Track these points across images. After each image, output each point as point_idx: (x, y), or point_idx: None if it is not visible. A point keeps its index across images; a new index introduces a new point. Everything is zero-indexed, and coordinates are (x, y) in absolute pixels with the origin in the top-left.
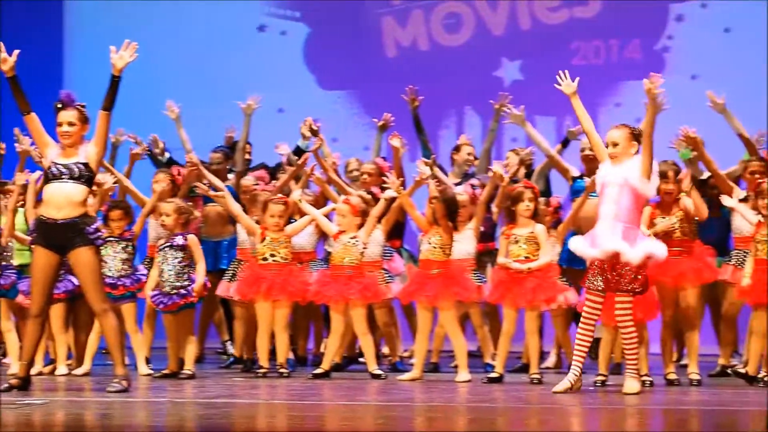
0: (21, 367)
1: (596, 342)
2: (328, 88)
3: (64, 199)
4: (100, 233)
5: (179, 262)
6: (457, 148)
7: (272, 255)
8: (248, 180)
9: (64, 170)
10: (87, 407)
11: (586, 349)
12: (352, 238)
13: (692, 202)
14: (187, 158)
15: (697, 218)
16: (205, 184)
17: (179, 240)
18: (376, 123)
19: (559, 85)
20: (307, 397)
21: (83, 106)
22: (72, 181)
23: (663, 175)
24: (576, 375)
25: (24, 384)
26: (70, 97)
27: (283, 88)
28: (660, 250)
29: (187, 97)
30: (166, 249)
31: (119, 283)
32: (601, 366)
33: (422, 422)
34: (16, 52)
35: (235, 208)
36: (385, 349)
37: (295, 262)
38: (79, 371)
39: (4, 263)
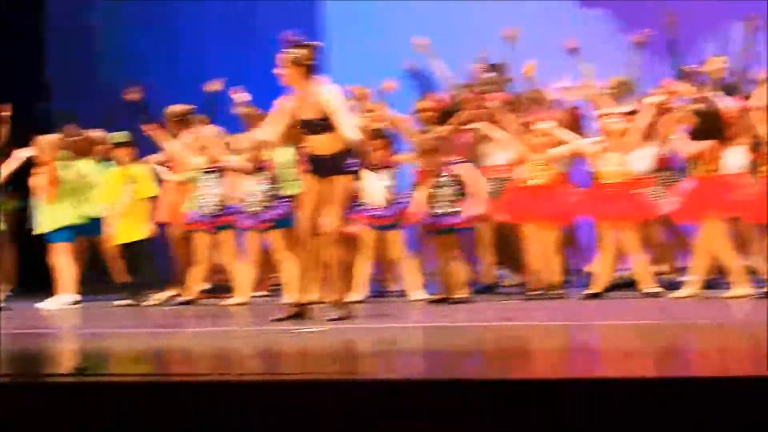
0: (298, 295)
1: None
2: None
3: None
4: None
5: (449, 189)
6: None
7: (534, 177)
8: None
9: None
10: (364, 333)
11: None
12: (622, 155)
13: None
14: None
15: None
16: None
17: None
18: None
19: None
20: (579, 317)
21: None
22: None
23: None
24: None
25: (301, 313)
26: (287, 36)
27: None
28: None
29: None
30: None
31: (383, 212)
32: None
33: (699, 340)
34: None
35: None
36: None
37: (557, 184)
38: (354, 297)
39: (277, 194)
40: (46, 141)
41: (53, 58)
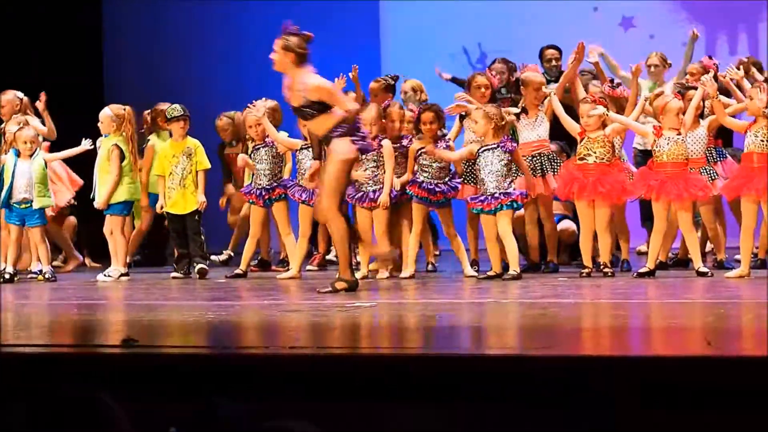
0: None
1: None
2: None
3: None
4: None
5: (503, 165)
6: None
7: (589, 155)
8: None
9: None
10: (411, 309)
11: None
12: (678, 134)
13: None
14: None
15: None
16: None
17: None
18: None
19: None
20: (632, 295)
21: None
22: None
23: None
24: None
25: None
26: (286, 25)
27: None
28: None
29: None
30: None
31: (438, 189)
32: None
33: (752, 319)
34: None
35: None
36: (710, 247)
37: (615, 164)
38: (404, 274)
39: None
40: (106, 115)
41: (111, 56)
